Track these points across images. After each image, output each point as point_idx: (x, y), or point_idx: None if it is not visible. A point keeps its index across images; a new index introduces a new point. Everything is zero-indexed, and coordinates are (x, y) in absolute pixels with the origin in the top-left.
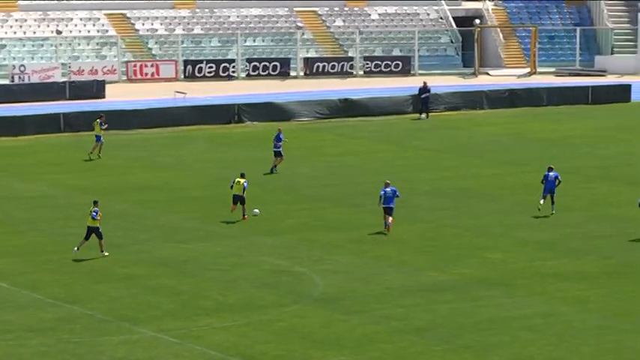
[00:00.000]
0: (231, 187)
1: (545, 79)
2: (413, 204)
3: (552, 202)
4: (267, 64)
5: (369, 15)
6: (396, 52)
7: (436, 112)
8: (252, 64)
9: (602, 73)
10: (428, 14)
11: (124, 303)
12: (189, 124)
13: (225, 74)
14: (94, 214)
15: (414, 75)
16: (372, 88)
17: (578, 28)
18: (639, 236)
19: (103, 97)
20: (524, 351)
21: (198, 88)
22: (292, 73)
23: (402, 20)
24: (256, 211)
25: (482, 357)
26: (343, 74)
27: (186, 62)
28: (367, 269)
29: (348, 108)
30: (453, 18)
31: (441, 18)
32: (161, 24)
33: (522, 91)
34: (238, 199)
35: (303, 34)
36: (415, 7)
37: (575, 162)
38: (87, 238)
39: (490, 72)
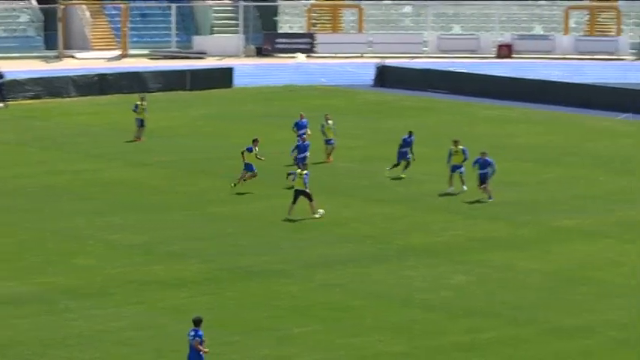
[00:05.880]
0: None
1: (139, 62)
2: None
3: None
4: None
5: None
6: None
7: (16, 100)
8: None
9: (201, 55)
10: None
11: None
12: None
13: None
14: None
15: None
16: None
17: (173, 5)
18: (238, 238)
19: None
20: None
21: None
22: None
23: None
24: (321, 211)
25: None
26: None
27: None
28: None
29: None
30: None
31: None
32: None
33: (113, 75)
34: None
35: None
36: None
37: (173, 155)
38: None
39: (76, 55)
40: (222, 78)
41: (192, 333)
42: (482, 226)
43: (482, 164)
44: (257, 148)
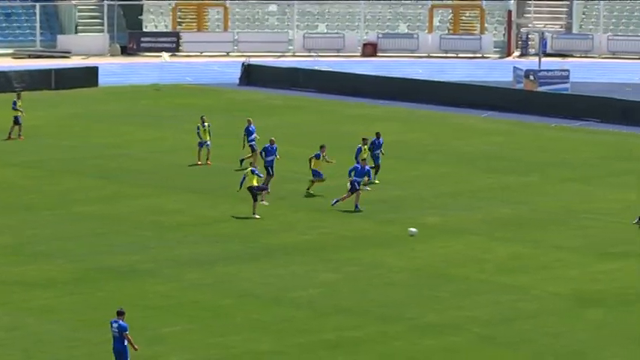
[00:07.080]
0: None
1: (3, 61)
2: None
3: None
4: None
5: None
6: None
7: None
8: None
9: (66, 54)
10: None
11: None
12: None
13: None
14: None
15: None
16: None
17: (37, 4)
18: (107, 237)
19: None
20: None
21: None
22: None
23: None
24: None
25: None
26: None
27: None
28: None
29: None
30: None
31: None
32: None
33: None
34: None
35: None
36: None
37: (39, 155)
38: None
39: None
40: (87, 77)
41: (116, 325)
42: (351, 224)
43: (361, 172)
44: (325, 154)
